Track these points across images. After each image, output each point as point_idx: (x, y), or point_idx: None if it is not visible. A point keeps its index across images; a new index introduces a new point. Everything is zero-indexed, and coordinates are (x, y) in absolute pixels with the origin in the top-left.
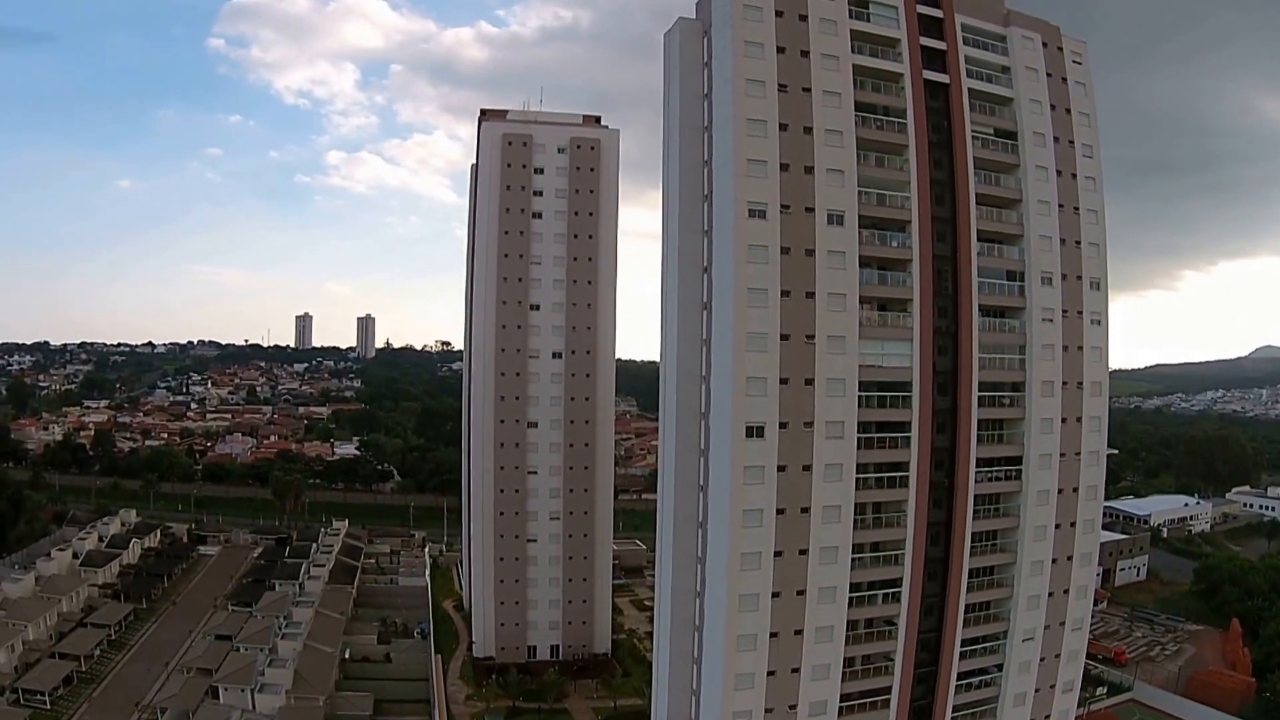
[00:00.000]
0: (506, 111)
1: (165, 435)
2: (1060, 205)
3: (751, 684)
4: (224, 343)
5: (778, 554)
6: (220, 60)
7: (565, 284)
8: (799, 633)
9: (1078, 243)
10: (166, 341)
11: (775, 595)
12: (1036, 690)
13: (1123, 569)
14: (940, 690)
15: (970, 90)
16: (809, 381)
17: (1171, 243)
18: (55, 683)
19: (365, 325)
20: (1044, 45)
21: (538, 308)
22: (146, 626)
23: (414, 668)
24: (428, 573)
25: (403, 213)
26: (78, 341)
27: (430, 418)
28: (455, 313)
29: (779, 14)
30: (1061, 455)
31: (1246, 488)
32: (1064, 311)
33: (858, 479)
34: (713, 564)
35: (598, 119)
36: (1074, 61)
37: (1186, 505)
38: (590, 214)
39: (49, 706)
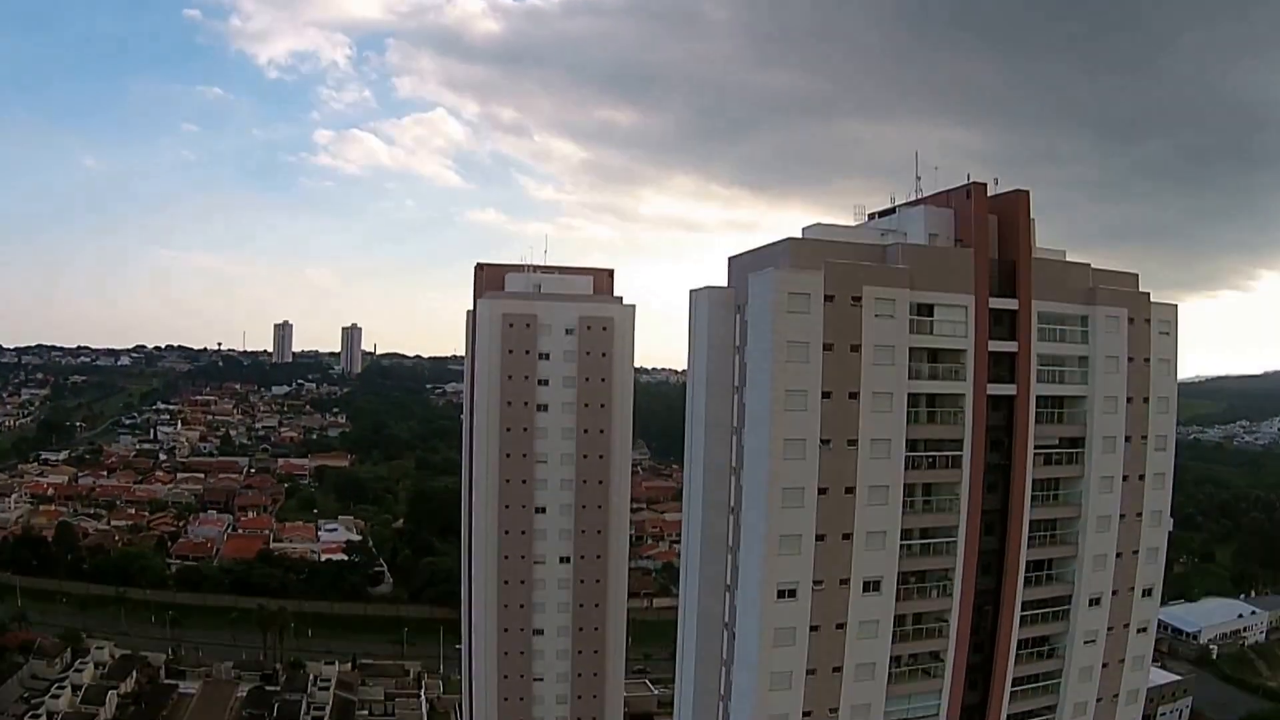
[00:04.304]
0: (504, 272)
1: (133, 511)
2: (1123, 515)
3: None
4: (195, 348)
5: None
6: (198, 29)
7: (575, 484)
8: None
9: (1135, 552)
10: (132, 345)
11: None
12: None
13: (1164, 714)
14: None
15: (1038, 398)
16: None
17: (1247, 239)
18: None
19: (350, 335)
20: (1130, 321)
21: (543, 510)
22: None
23: None
24: None
25: (398, 196)
26: (34, 344)
27: (423, 500)
28: (449, 309)
29: (828, 348)
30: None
31: None
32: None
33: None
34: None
35: (610, 276)
36: (1162, 334)
37: (1241, 616)
38: (602, 405)
39: None
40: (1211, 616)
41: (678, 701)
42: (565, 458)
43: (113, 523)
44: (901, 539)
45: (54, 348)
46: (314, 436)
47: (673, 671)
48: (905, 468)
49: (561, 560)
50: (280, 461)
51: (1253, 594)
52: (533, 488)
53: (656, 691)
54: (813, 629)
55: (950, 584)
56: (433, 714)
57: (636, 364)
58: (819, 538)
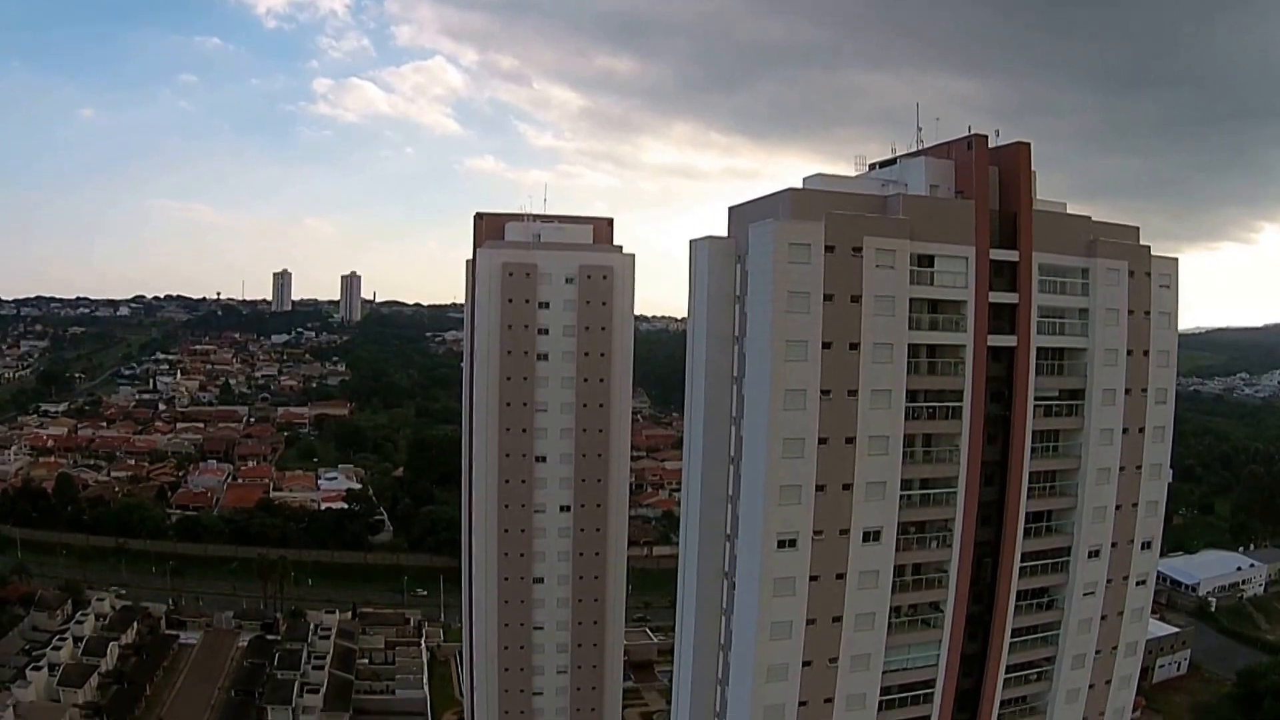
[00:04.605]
0: (504, 221)
1: (133, 462)
2: (1122, 467)
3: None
4: (195, 298)
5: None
6: None
7: (575, 433)
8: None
9: (1134, 505)
10: (132, 296)
11: None
12: None
13: (1162, 665)
14: None
15: (1039, 349)
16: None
17: (1249, 192)
18: None
19: (350, 284)
20: (1130, 274)
21: (543, 459)
22: None
23: None
24: (425, 676)
25: (397, 144)
26: (32, 296)
27: (423, 448)
28: (448, 257)
29: (828, 299)
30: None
31: None
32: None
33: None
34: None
35: (610, 225)
36: (1162, 286)
37: (1240, 569)
38: (602, 354)
39: None
40: (1210, 569)
41: (678, 650)
42: (565, 406)
43: (113, 474)
44: (901, 489)
45: (52, 299)
46: (314, 385)
47: (673, 620)
48: (905, 418)
49: (561, 509)
50: (280, 410)
51: (1251, 547)
52: (533, 436)
53: (656, 640)
54: (813, 579)
55: (950, 535)
56: (433, 662)
57: (636, 312)
58: (819, 488)
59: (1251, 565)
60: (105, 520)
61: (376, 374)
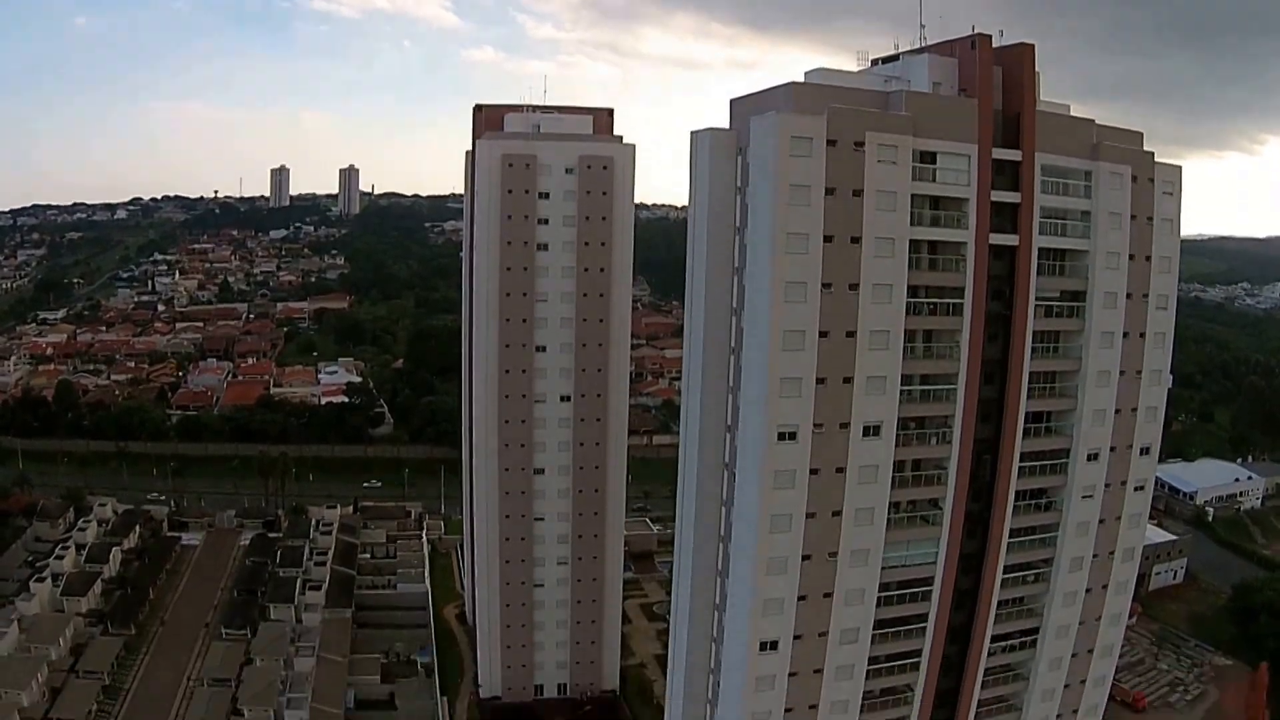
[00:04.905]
0: (503, 112)
1: (133, 364)
2: (1122, 371)
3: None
4: (192, 197)
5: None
6: None
7: (575, 323)
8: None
9: (1134, 409)
10: (129, 199)
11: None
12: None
13: (1159, 573)
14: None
15: (1040, 249)
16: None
17: (1255, 102)
18: None
19: (348, 177)
20: (1134, 179)
21: (543, 349)
22: (138, 661)
23: (420, 714)
24: (427, 569)
25: (395, 37)
26: (29, 205)
27: (423, 339)
28: (447, 148)
29: (830, 193)
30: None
31: None
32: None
33: None
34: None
35: (610, 116)
36: (1165, 193)
37: (1238, 480)
38: (602, 244)
39: None
40: (1208, 478)
41: (678, 542)
42: (565, 296)
43: (112, 377)
44: (902, 385)
45: (49, 207)
46: (312, 279)
47: (673, 510)
48: (906, 314)
49: (562, 399)
50: (279, 306)
51: (1250, 459)
52: (533, 326)
53: (656, 530)
54: (813, 472)
55: (950, 431)
56: (434, 555)
57: (636, 201)
58: (819, 381)
59: (1250, 478)
60: (105, 425)
61: (375, 266)
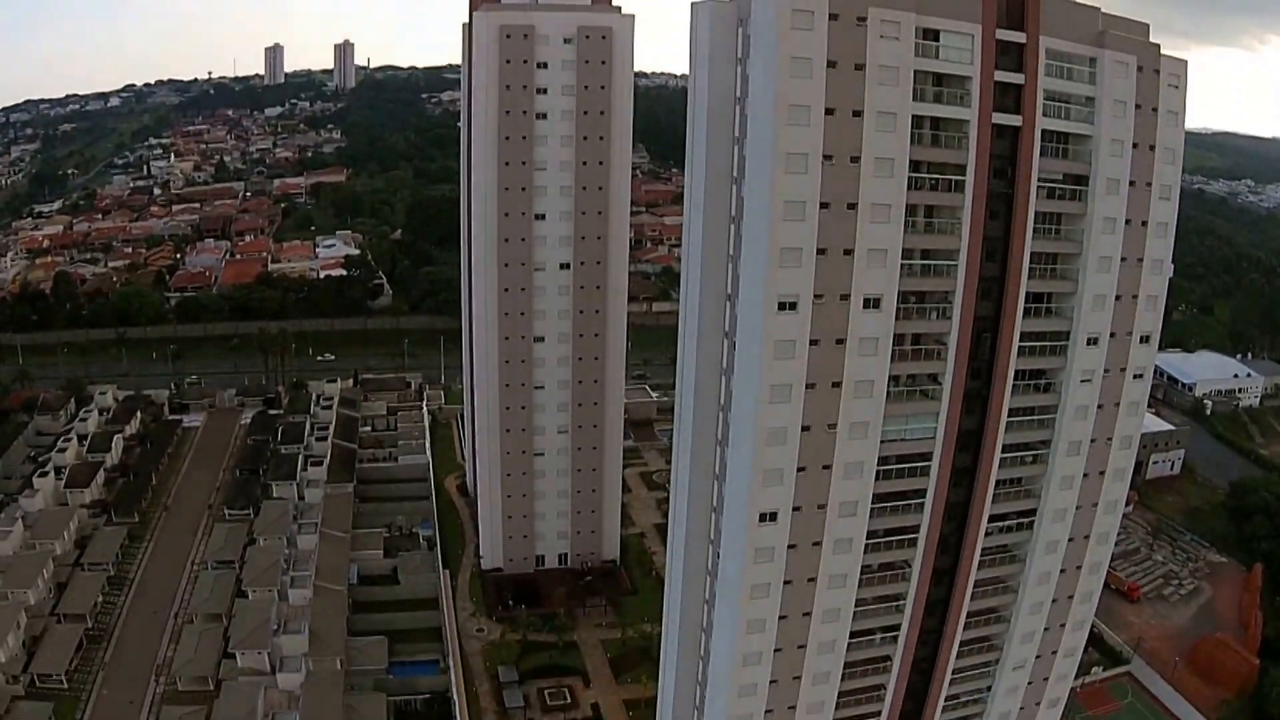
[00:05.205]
0: None
1: (130, 250)
2: (1123, 259)
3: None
4: (186, 80)
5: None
6: None
7: (574, 191)
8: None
9: (1134, 297)
10: (122, 86)
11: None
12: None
13: (1156, 462)
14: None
15: (1043, 131)
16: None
17: (1261, 3)
18: (67, 657)
19: (343, 51)
20: (1139, 69)
21: (543, 217)
22: (142, 549)
23: (422, 587)
24: (427, 441)
25: None
26: (21, 101)
27: (421, 209)
28: (443, 17)
29: (831, 65)
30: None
31: None
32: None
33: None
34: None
35: None
36: (1170, 86)
37: (1236, 377)
38: (601, 113)
39: (66, 687)
40: (1208, 371)
41: (678, 410)
42: (564, 164)
43: (110, 264)
44: (902, 259)
45: (42, 101)
46: (309, 155)
47: (672, 378)
48: (908, 188)
49: (561, 266)
50: (276, 183)
51: (1249, 356)
52: (532, 195)
53: (656, 398)
54: (812, 343)
55: (950, 307)
56: (435, 425)
57: (635, 69)
58: (820, 251)
59: (1249, 375)
60: (104, 313)
61: (372, 139)
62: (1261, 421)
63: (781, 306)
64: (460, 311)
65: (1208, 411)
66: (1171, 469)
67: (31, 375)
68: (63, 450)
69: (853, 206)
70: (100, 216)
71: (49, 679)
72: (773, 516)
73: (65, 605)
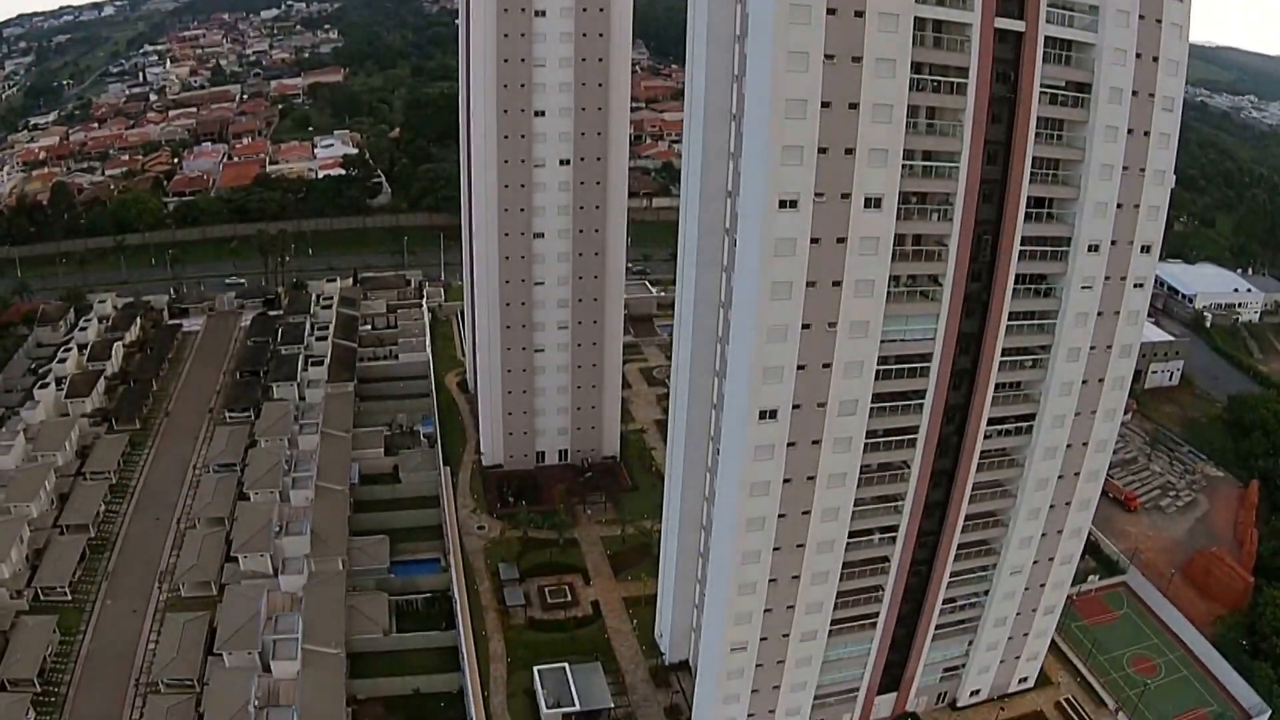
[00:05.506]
0: None
1: (127, 157)
2: (1125, 167)
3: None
4: None
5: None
6: None
7: (573, 87)
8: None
9: (1135, 206)
10: None
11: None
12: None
13: (1155, 372)
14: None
15: (1046, 38)
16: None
17: None
18: (71, 569)
19: None
20: None
21: (542, 114)
22: (144, 456)
23: (423, 485)
24: (428, 338)
25: None
26: (14, 15)
27: (419, 107)
28: None
29: None
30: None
31: None
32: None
33: None
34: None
35: None
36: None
37: (1237, 291)
38: (601, 9)
39: (70, 599)
40: (1208, 283)
41: (678, 307)
42: (564, 61)
43: (107, 172)
44: (904, 159)
45: (35, 14)
46: (306, 55)
47: (672, 274)
48: (910, 89)
49: (561, 163)
50: (273, 84)
51: (1250, 271)
52: (531, 91)
53: (656, 293)
54: (813, 241)
55: (951, 209)
56: (435, 323)
57: None
58: (821, 150)
59: (1249, 290)
60: (102, 221)
61: (369, 37)
62: (1261, 337)
63: (782, 205)
64: (460, 208)
65: (1207, 324)
66: (1170, 379)
67: (30, 288)
68: (63, 361)
69: (854, 106)
70: (96, 125)
71: (53, 591)
72: (773, 414)
73: (68, 516)
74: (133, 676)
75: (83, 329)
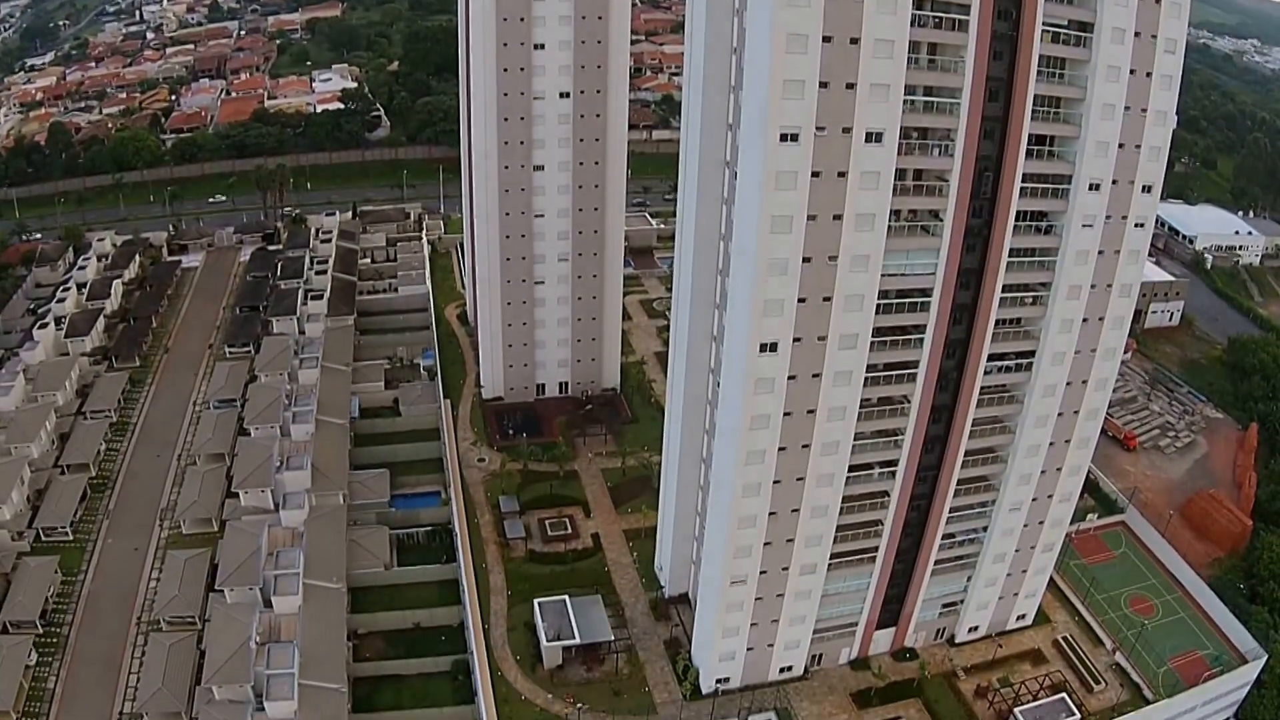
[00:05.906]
0: None
1: (124, 95)
2: (1127, 107)
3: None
4: None
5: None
6: None
7: (573, 19)
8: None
9: (1137, 146)
10: None
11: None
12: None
13: (1155, 312)
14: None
15: None
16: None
17: None
18: (72, 508)
19: None
20: None
21: (542, 47)
22: (144, 394)
23: (424, 418)
24: (427, 271)
25: None
26: None
27: (419, 40)
28: None
29: None
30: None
31: None
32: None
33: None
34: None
35: None
36: None
37: (1237, 234)
38: None
39: (71, 539)
40: (1209, 225)
41: (679, 240)
42: (563, 19)
43: (104, 111)
44: (906, 94)
45: None
46: None
47: (672, 207)
48: (911, 25)
49: (561, 95)
50: (271, 20)
51: (1250, 214)
52: (530, 24)
53: (656, 225)
54: (814, 175)
55: (952, 144)
56: (434, 255)
57: None
58: (822, 85)
59: (1250, 233)
60: (100, 159)
61: None
62: (1261, 280)
63: (783, 138)
64: (459, 141)
65: (1208, 265)
66: (1170, 319)
67: (29, 228)
68: (62, 300)
69: (856, 41)
70: (93, 65)
71: (54, 531)
72: (773, 347)
73: (68, 456)
74: (134, 615)
75: (81, 268)
